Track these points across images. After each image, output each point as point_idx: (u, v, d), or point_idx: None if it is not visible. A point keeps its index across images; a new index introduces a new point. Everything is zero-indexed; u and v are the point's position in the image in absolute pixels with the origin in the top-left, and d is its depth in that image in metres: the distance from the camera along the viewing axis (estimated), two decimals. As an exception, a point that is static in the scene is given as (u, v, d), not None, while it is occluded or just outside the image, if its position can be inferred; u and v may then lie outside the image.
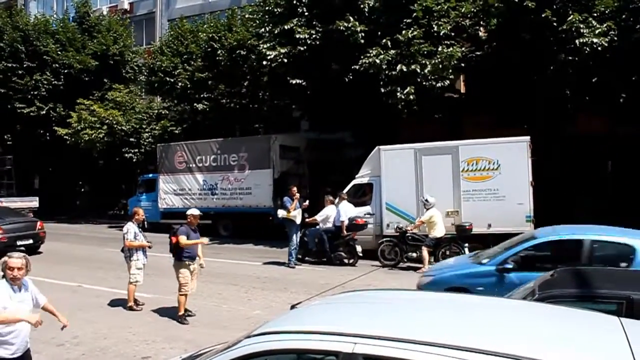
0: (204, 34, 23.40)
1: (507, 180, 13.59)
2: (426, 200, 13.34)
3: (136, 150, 26.39)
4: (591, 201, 17.14)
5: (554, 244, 8.33)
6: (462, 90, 20.83)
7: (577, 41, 14.40)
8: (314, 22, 17.01)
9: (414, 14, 16.22)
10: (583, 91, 15.81)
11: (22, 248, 14.73)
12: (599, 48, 14.29)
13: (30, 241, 16.07)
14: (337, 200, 14.75)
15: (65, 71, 27.97)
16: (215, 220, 20.69)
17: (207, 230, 17.11)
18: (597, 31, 14.37)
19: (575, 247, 7.79)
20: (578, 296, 4.81)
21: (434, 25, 16.38)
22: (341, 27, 16.09)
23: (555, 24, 14.84)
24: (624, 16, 14.89)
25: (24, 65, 27.93)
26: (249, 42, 20.90)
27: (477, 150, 14.12)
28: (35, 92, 27.70)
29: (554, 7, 15.05)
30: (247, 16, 21.54)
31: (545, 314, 3.33)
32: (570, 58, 14.81)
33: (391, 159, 15.00)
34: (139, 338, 8.04)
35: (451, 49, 16.15)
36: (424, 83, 16.01)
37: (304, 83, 17.31)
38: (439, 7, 16.52)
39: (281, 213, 14.27)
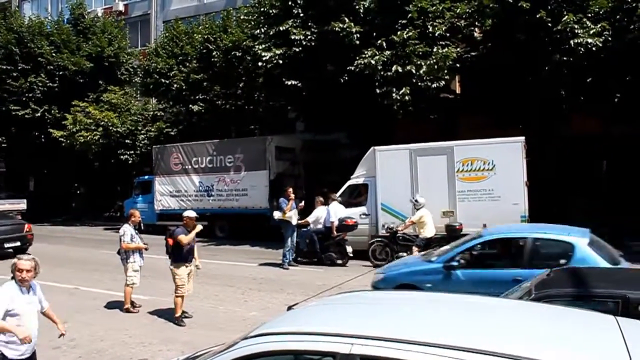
0: (199, 36, 23.38)
1: (502, 180, 13.62)
2: (416, 200, 13.33)
3: (132, 152, 26.29)
4: (586, 201, 17.20)
5: (498, 242, 8.78)
6: (458, 90, 20.87)
7: (571, 42, 14.44)
8: (309, 23, 17.02)
9: (409, 15, 16.23)
10: (578, 91, 15.86)
11: (10, 250, 14.78)
12: (594, 48, 14.33)
13: (18, 243, 16.07)
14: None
15: (60, 73, 27.83)
16: (211, 221, 20.63)
17: (204, 231, 17.04)
18: (591, 32, 14.41)
19: (518, 245, 8.23)
20: (574, 295, 4.83)
21: (429, 26, 16.40)
22: (336, 28, 16.11)
23: (549, 24, 14.88)
24: (618, 17, 14.94)
25: (19, 67, 27.81)
26: (244, 43, 20.89)
27: (472, 150, 14.14)
28: (30, 94, 27.57)
29: (549, 7, 15.09)
30: (242, 17, 21.54)
31: (541, 314, 3.34)
32: (564, 58, 14.85)
33: (386, 159, 15.03)
34: (135, 340, 8.02)
35: (446, 49, 16.20)
36: (419, 84, 16.03)
37: (299, 84, 17.30)
38: (434, 8, 16.53)
39: (277, 214, 14.32)
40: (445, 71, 16.45)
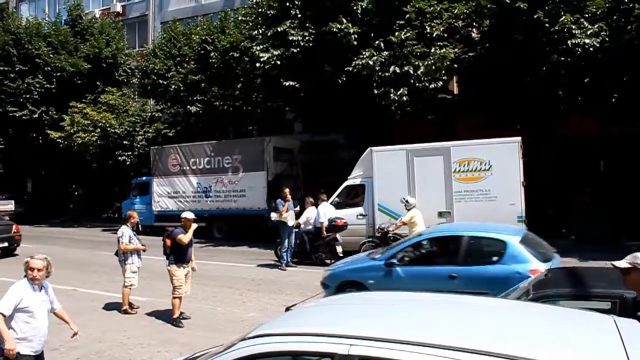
0: (197, 37, 23.37)
1: (499, 180, 13.63)
2: (406, 201, 13.31)
3: (129, 153, 26.22)
4: (583, 201, 17.21)
5: (436, 240, 9.19)
6: (455, 91, 20.89)
7: (569, 42, 14.47)
8: (307, 24, 17.03)
9: (407, 16, 16.25)
10: (575, 92, 15.87)
11: None
12: (591, 49, 14.35)
13: (6, 244, 16.19)
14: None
15: (58, 74, 27.79)
16: (209, 222, 20.61)
17: (202, 232, 17.06)
18: (588, 32, 14.43)
19: (454, 243, 8.58)
20: (572, 295, 4.84)
21: (426, 27, 16.42)
22: (334, 29, 16.13)
23: (547, 25, 14.91)
24: (615, 17, 14.96)
25: (16, 69, 27.81)
26: (242, 44, 20.89)
27: (469, 151, 14.15)
28: (28, 96, 27.55)
29: (546, 8, 15.11)
30: (240, 18, 21.51)
31: (539, 314, 3.34)
32: (562, 59, 14.87)
33: (383, 160, 15.04)
34: (133, 341, 8.02)
35: (444, 50, 16.21)
36: (417, 84, 16.05)
37: (297, 85, 17.31)
38: (432, 8, 16.56)
39: (273, 215, 14.35)
40: (443, 72, 16.47)
